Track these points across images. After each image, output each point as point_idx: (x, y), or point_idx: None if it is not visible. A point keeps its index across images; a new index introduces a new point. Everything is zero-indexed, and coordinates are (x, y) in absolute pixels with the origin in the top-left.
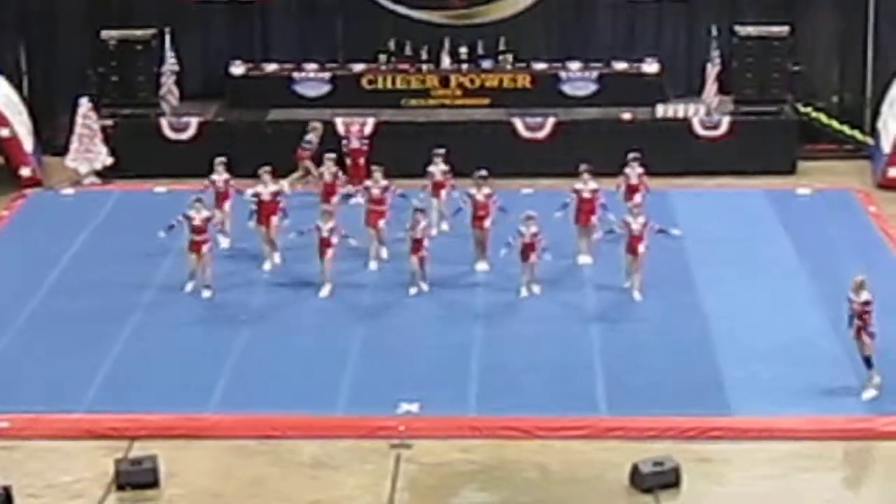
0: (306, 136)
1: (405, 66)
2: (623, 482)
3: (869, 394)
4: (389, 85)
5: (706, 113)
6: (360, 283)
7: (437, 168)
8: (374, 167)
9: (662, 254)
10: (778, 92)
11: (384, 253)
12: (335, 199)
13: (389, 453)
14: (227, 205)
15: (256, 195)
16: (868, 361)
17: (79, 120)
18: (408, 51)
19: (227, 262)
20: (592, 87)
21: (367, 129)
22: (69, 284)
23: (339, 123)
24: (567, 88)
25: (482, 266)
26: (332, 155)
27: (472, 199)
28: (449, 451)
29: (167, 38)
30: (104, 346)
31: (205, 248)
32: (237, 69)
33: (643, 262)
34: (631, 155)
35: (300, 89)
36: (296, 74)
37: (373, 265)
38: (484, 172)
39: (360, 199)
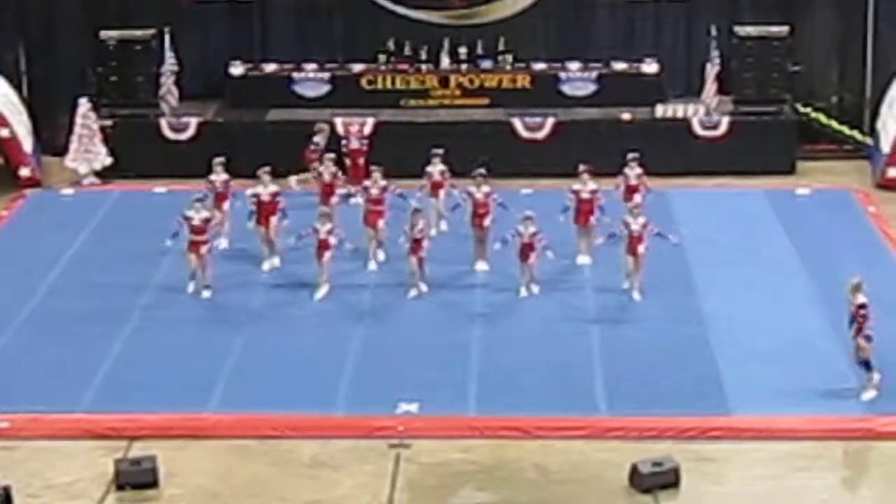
0: (314, 138)
1: (405, 67)
2: (622, 482)
3: (869, 394)
4: (389, 85)
5: (706, 113)
6: (360, 284)
7: (436, 168)
8: (373, 167)
9: (662, 254)
10: (777, 92)
11: (381, 257)
12: (334, 200)
13: (389, 453)
14: (225, 205)
15: (255, 195)
16: (867, 364)
17: (78, 120)
18: (407, 51)
19: (227, 262)
20: (592, 88)
21: (367, 130)
22: (69, 284)
23: (339, 123)
24: (566, 88)
25: (482, 266)
26: (332, 155)
27: (472, 197)
28: (448, 451)
29: (167, 38)
30: (104, 346)
31: (204, 249)
32: (237, 69)
33: (643, 262)
34: (630, 155)
35: (300, 89)
36: (295, 74)
37: (372, 265)
38: (482, 170)
39: (359, 200)
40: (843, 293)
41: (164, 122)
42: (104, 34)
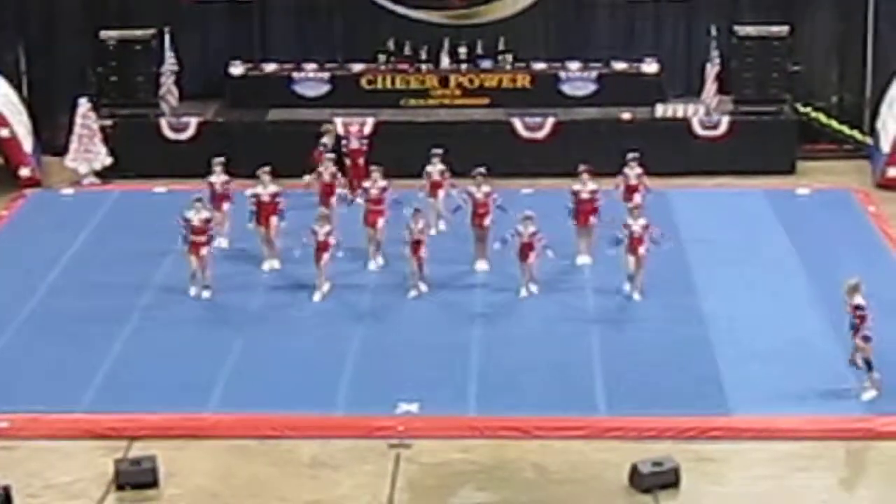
0: (322, 139)
1: (404, 66)
2: (622, 482)
3: (869, 395)
4: (389, 85)
5: (705, 113)
6: (360, 284)
7: (435, 168)
8: (372, 168)
9: (661, 254)
10: (777, 92)
11: (380, 261)
12: (333, 200)
13: (389, 453)
14: (225, 206)
15: (255, 196)
16: (868, 364)
17: (78, 120)
18: (407, 51)
19: (227, 262)
20: (592, 87)
21: (367, 130)
22: (69, 284)
23: (339, 123)
24: (566, 88)
25: (482, 265)
26: (332, 155)
27: (472, 197)
28: (448, 451)
29: (166, 38)
30: (104, 346)
31: (204, 250)
32: (236, 69)
33: (643, 263)
34: (630, 155)
35: (300, 89)
36: (295, 74)
37: (372, 265)
38: (482, 170)
39: (359, 200)
40: (842, 293)
41: (164, 122)
42: (104, 34)
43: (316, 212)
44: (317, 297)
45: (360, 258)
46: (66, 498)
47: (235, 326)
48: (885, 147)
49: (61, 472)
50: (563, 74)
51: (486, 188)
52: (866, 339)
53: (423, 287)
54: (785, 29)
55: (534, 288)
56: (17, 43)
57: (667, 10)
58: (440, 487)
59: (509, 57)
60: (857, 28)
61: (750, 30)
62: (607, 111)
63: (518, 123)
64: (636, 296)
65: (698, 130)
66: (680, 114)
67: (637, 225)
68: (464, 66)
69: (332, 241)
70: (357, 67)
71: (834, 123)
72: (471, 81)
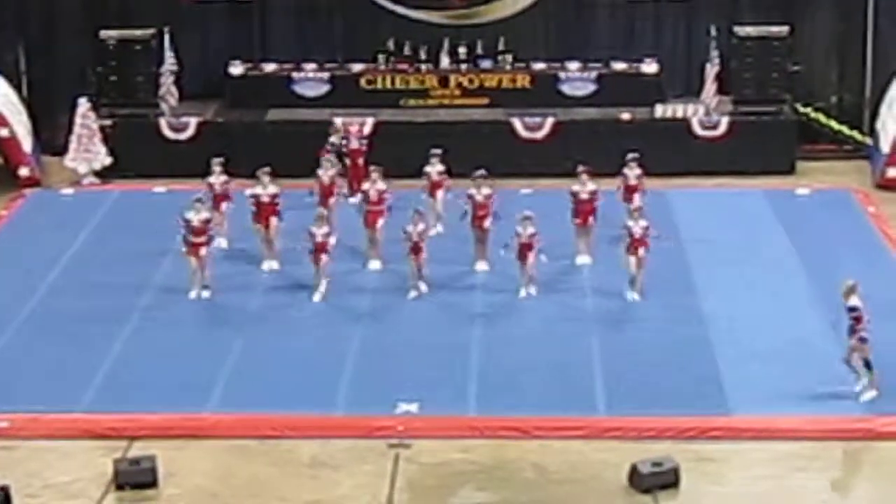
0: (330, 138)
1: (404, 66)
2: (622, 482)
3: (869, 395)
4: (388, 85)
5: (705, 113)
6: (359, 284)
7: (434, 168)
8: (372, 168)
9: (661, 254)
10: (777, 92)
11: (378, 264)
12: (332, 201)
13: (388, 453)
14: (224, 206)
15: (255, 196)
16: (867, 364)
17: (78, 120)
18: (407, 51)
19: (226, 263)
20: (591, 88)
21: (367, 130)
22: (68, 284)
23: (339, 123)
24: (566, 88)
25: (482, 266)
26: (331, 157)
27: (472, 199)
28: (448, 451)
29: (166, 38)
30: (103, 346)
31: (203, 251)
32: (236, 69)
33: (644, 264)
34: (630, 155)
35: (299, 89)
36: (295, 74)
37: (371, 266)
38: (483, 172)
39: (358, 201)
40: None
41: (163, 122)
42: (104, 34)
43: (315, 212)
44: (316, 297)
45: (359, 259)
46: (66, 498)
47: (235, 326)
48: (885, 147)
49: (61, 471)
50: (562, 74)
51: (486, 190)
52: (863, 339)
53: (423, 287)
54: (785, 29)
55: (532, 290)
56: (17, 43)
57: (666, 10)
58: (440, 487)
59: (509, 57)
60: (857, 28)
61: (750, 30)
62: (607, 111)
63: (518, 123)
64: (636, 297)
65: (698, 131)
66: (679, 114)
67: (638, 226)
68: (463, 67)
69: (330, 241)
70: (357, 67)
71: (834, 124)
72: (470, 81)
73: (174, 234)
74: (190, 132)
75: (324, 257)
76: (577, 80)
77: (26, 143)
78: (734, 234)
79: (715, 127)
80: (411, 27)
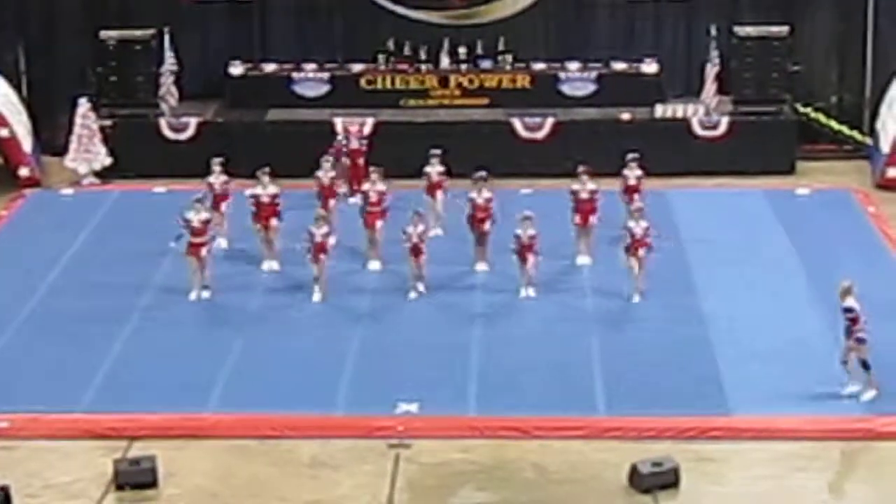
0: (338, 137)
1: (404, 67)
2: (622, 482)
3: (869, 394)
4: (388, 85)
5: (705, 113)
6: (359, 284)
7: (434, 169)
8: (372, 168)
9: (661, 254)
10: (777, 92)
11: (378, 265)
12: (332, 203)
13: (388, 453)
14: (224, 206)
15: (255, 196)
16: (865, 364)
17: (78, 120)
18: (407, 51)
19: (226, 263)
20: (591, 88)
21: (366, 130)
22: (68, 284)
23: (339, 124)
24: (566, 88)
25: (481, 267)
26: (330, 157)
27: (472, 202)
28: (448, 451)
29: (166, 38)
30: (103, 346)
31: (203, 251)
32: (236, 69)
33: (644, 266)
34: (630, 156)
35: (299, 89)
36: (295, 74)
37: (371, 266)
38: (483, 174)
39: (358, 201)
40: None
41: (163, 122)
42: (104, 34)
43: (314, 212)
44: (316, 297)
45: (359, 259)
46: (66, 498)
47: (235, 326)
48: (885, 147)
49: (61, 472)
50: (562, 75)
51: (486, 193)
52: (860, 340)
53: (422, 288)
54: (785, 29)
55: (532, 292)
56: (17, 43)
57: (666, 10)
58: (440, 487)
59: (509, 57)
60: (857, 28)
61: (750, 30)
62: (607, 111)
63: (518, 124)
64: (636, 298)
65: (698, 131)
66: (680, 114)
67: (639, 227)
68: (463, 67)
69: (330, 241)
70: (357, 67)
71: (833, 124)
72: (470, 82)
73: (174, 235)
74: (190, 132)
75: (323, 257)
76: (577, 80)
77: (26, 144)
78: (734, 235)
79: (715, 127)
80: (411, 27)
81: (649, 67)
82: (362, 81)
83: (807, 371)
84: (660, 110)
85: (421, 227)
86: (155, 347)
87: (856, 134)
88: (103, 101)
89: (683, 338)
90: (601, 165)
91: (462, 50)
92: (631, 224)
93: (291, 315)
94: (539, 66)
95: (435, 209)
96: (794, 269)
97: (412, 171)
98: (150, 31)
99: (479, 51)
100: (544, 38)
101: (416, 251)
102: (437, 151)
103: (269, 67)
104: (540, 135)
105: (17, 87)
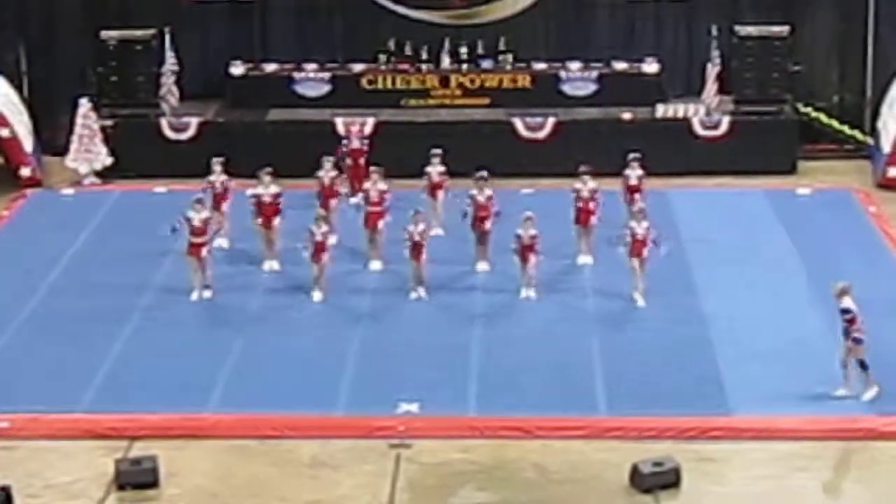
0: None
1: (405, 66)
2: (622, 482)
3: (870, 393)
4: (389, 85)
5: (706, 113)
6: (360, 284)
7: (435, 169)
8: (372, 169)
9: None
10: (778, 92)
11: (379, 265)
12: (333, 203)
13: (389, 453)
14: (225, 206)
15: (256, 196)
16: (863, 365)
17: (79, 120)
18: (408, 51)
19: (227, 262)
20: (592, 87)
21: (367, 130)
22: (69, 284)
23: (339, 123)
24: (567, 88)
25: (483, 267)
26: (331, 157)
27: (474, 200)
28: (448, 451)
29: (167, 38)
30: (104, 346)
31: (204, 251)
32: (237, 69)
33: (646, 266)
34: (631, 155)
35: (300, 89)
36: (296, 74)
37: (372, 266)
38: (484, 173)
39: (359, 201)
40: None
41: (164, 122)
42: (105, 34)
43: (314, 212)
44: (316, 297)
45: (360, 260)
46: (67, 498)
47: (236, 326)
48: (886, 147)
49: (62, 472)
50: (563, 74)
51: (488, 191)
52: (857, 341)
53: (423, 293)
54: (785, 29)
55: (532, 291)
56: (18, 43)
57: (667, 9)
58: (440, 487)
59: (510, 57)
60: (858, 28)
61: (751, 30)
62: (608, 111)
63: (519, 123)
64: (639, 300)
65: (699, 130)
66: (680, 114)
67: (640, 228)
68: (464, 66)
69: (330, 241)
70: (357, 67)
71: (834, 123)
72: (471, 81)
73: (177, 235)
74: (191, 132)
75: (323, 257)
76: (577, 79)
77: (27, 144)
78: (735, 234)
79: (716, 127)
80: (412, 27)
81: (650, 67)
82: (363, 81)
83: (807, 371)
84: (661, 110)
85: (422, 226)
86: (155, 347)
87: (857, 134)
88: (104, 101)
89: (684, 338)
90: (602, 165)
91: (463, 50)
92: (632, 224)
93: (292, 315)
94: (540, 65)
95: (435, 209)
96: (794, 269)
97: (413, 171)
98: (151, 31)
99: (480, 51)
100: (545, 38)
101: (417, 250)
102: (438, 151)
103: (270, 67)
104: (541, 135)
105: (17, 87)
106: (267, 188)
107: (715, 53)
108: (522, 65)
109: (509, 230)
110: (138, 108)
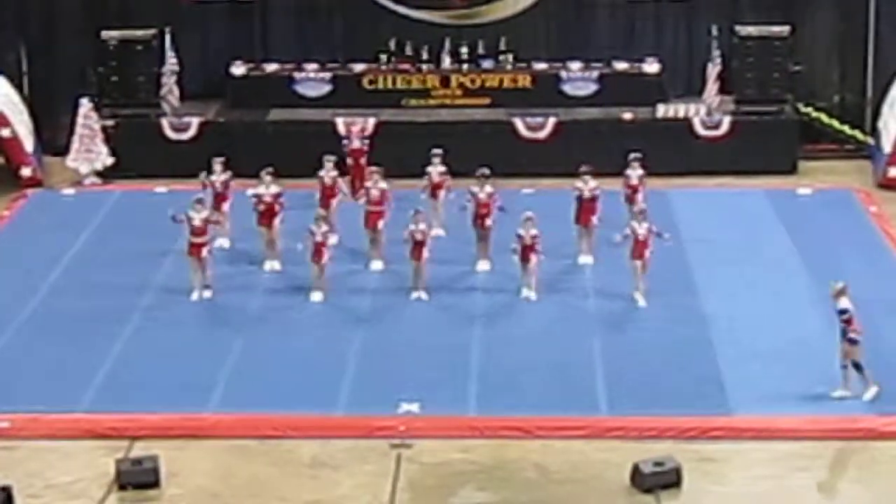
0: (344, 140)
1: (406, 66)
2: (623, 482)
3: (870, 392)
4: (390, 85)
5: (707, 113)
6: (360, 284)
7: (435, 169)
8: (373, 168)
9: (662, 254)
10: (779, 92)
11: (380, 265)
12: (334, 203)
13: (390, 453)
14: (225, 205)
15: (257, 196)
16: (857, 366)
17: (79, 120)
18: (408, 51)
19: (227, 262)
20: (593, 87)
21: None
22: (69, 284)
23: (340, 123)
24: (568, 88)
25: (483, 265)
26: (332, 157)
27: (475, 197)
28: (449, 451)
29: (167, 38)
30: (105, 346)
31: (204, 251)
32: (238, 69)
33: (648, 267)
34: (632, 155)
35: (301, 89)
36: (296, 74)
37: (373, 266)
38: (486, 171)
39: (360, 201)
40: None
41: (165, 122)
42: (105, 34)
43: (314, 212)
44: (316, 297)
45: (360, 260)
46: (68, 498)
47: (236, 326)
48: (887, 147)
49: (62, 472)
50: (564, 74)
51: (488, 188)
52: (852, 342)
53: (424, 295)
54: (786, 29)
55: (532, 292)
56: (18, 43)
57: (668, 9)
58: (441, 487)
59: (510, 57)
60: (859, 28)
61: (751, 29)
62: (608, 111)
63: (519, 123)
64: (641, 301)
65: (699, 130)
66: (681, 114)
67: (641, 228)
68: (465, 66)
69: (330, 241)
70: (358, 67)
71: (835, 123)
72: (472, 81)
73: (176, 235)
74: (191, 132)
75: (324, 257)
76: (578, 79)
77: (28, 144)
78: (735, 234)
79: (716, 127)
80: (412, 27)
81: (651, 67)
82: (364, 81)
83: (808, 371)
84: (661, 110)
85: (422, 225)
86: (156, 347)
87: (857, 133)
88: (105, 101)
89: (685, 338)
90: (603, 165)
91: (463, 50)
92: (633, 224)
93: (292, 315)
94: (540, 65)
95: (436, 209)
96: (795, 269)
97: (414, 171)
98: (151, 31)
99: (481, 51)
100: (545, 38)
101: (418, 249)
102: (439, 151)
103: (271, 67)
104: (541, 135)
105: (18, 87)
106: (268, 188)
107: (715, 53)
108: (523, 65)
109: (510, 230)
110: (139, 108)
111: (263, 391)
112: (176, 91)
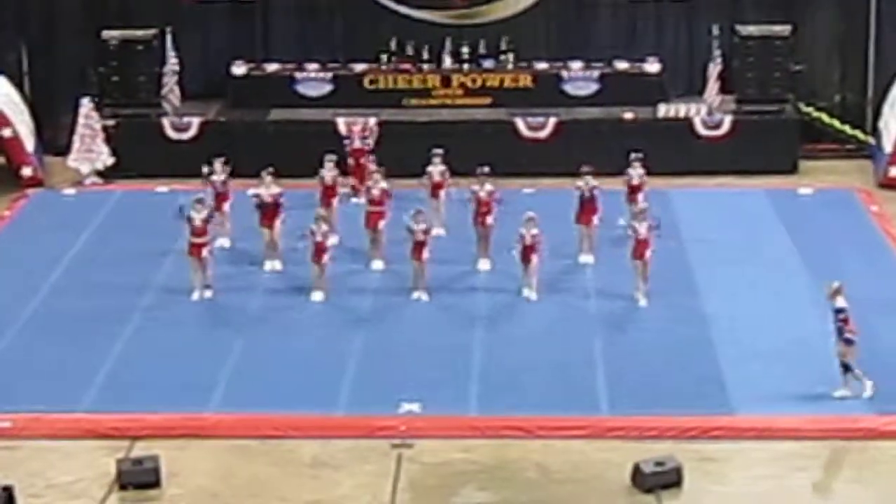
0: (345, 141)
1: (406, 66)
2: (624, 482)
3: (868, 391)
4: (391, 85)
5: (708, 112)
6: (361, 284)
7: (436, 168)
8: (373, 168)
9: (663, 254)
10: (779, 91)
11: (381, 265)
12: (335, 203)
13: (390, 453)
14: (226, 205)
15: (258, 196)
16: (846, 367)
17: (80, 120)
18: (409, 50)
19: (228, 262)
20: (594, 87)
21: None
22: (70, 284)
23: (341, 123)
24: (568, 88)
25: (484, 264)
26: (333, 157)
27: (475, 195)
28: (450, 451)
29: (168, 37)
30: (105, 346)
31: (205, 251)
32: (238, 69)
33: (649, 267)
34: (633, 155)
35: (302, 89)
36: (297, 74)
37: (374, 266)
38: (486, 169)
39: (360, 200)
40: (844, 293)
41: (166, 122)
42: (106, 34)
43: (315, 212)
44: (317, 297)
45: (361, 260)
46: (69, 498)
47: (237, 326)
48: (888, 147)
49: (63, 471)
50: (565, 74)
51: (489, 187)
52: (848, 342)
53: (424, 295)
54: (787, 28)
55: (533, 295)
56: (19, 43)
57: (668, 9)
58: (442, 487)
59: (511, 56)
60: (859, 28)
61: (752, 29)
62: (609, 111)
63: (520, 123)
64: (642, 301)
65: (700, 130)
66: (682, 113)
67: (642, 228)
68: (466, 66)
69: (330, 241)
70: (359, 67)
71: (836, 123)
72: (473, 81)
73: (176, 235)
74: (192, 132)
75: (324, 257)
76: (579, 79)
77: (29, 143)
78: (736, 234)
79: (717, 126)
80: (413, 27)
81: (652, 67)
82: (365, 81)
83: (808, 371)
84: (662, 110)
85: (423, 224)
86: (156, 347)
87: (858, 133)
88: (106, 101)
89: (685, 338)
90: (604, 165)
91: (464, 49)
92: (634, 224)
93: (293, 315)
94: (541, 65)
95: (437, 209)
96: (796, 268)
97: (414, 170)
98: (152, 31)
99: (482, 50)
100: (546, 38)
101: (418, 249)
102: (440, 151)
103: (272, 67)
104: (542, 134)
105: (19, 87)
106: (268, 188)
107: (716, 53)
108: (524, 64)
109: (510, 230)
110: (140, 107)
111: (264, 391)
112: (177, 91)
